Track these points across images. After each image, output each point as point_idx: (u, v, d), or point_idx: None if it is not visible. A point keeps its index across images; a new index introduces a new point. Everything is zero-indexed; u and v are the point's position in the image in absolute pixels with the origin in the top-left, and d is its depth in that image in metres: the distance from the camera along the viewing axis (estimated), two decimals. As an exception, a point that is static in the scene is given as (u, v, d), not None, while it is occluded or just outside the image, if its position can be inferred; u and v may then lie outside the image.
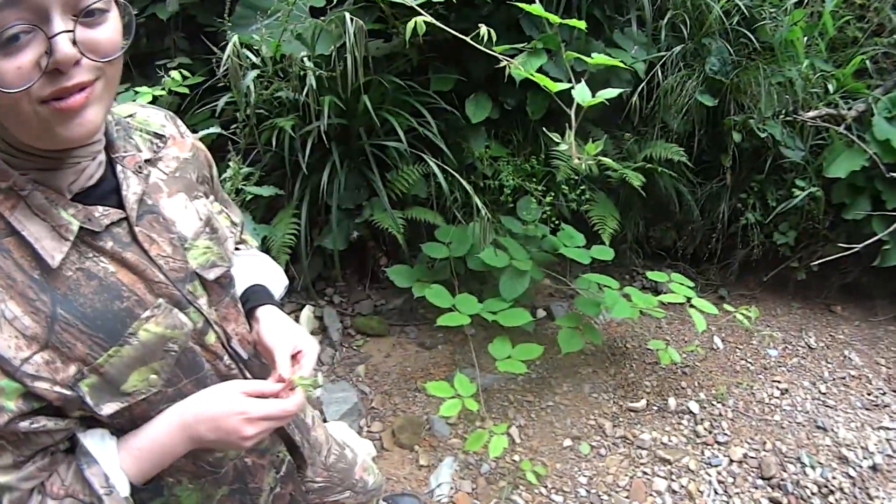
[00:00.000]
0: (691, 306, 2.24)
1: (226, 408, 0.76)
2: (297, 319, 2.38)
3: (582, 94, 1.57)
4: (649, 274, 2.45)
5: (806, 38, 2.84)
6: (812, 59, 2.89)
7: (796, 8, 2.84)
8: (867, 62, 2.92)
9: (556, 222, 2.51)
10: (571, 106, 1.58)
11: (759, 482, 2.09)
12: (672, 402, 2.33)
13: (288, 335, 0.89)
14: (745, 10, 2.79)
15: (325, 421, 2.10)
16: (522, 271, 2.16)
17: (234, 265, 0.89)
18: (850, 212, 2.73)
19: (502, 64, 1.68)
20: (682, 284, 2.29)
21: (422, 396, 2.27)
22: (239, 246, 1.04)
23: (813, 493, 2.06)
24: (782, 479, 2.09)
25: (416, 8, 1.65)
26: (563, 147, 1.69)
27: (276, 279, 1.03)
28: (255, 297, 0.95)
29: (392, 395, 2.28)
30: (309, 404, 1.19)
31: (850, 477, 2.12)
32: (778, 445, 2.21)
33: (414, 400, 2.26)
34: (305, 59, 2.37)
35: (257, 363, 0.90)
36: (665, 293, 2.26)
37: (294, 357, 0.87)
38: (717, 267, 3.06)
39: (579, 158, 1.72)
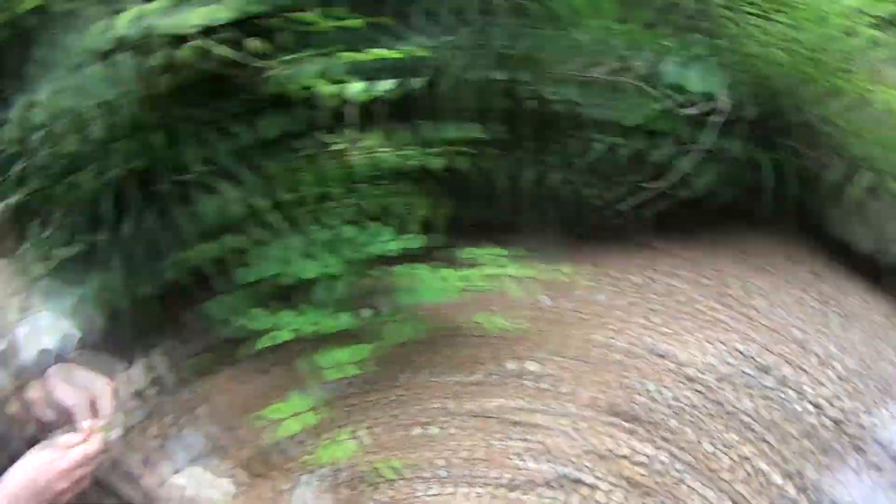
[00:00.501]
0: (507, 275, 2.34)
1: (34, 471, 0.76)
2: (127, 376, 2.30)
3: (357, 90, 1.63)
4: (463, 252, 2.46)
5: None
6: (601, 20, 3.05)
7: (583, -28, 2.98)
8: (655, 13, 3.10)
9: (363, 221, 2.49)
10: (355, 105, 1.63)
11: (614, 419, 2.19)
12: (511, 366, 2.41)
13: (78, 387, 0.90)
14: (528, -20, 2.90)
15: (176, 472, 2.05)
16: (336, 276, 2.19)
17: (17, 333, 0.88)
18: (652, 154, 2.92)
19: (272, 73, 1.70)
20: (495, 255, 2.38)
21: (266, 423, 2.24)
22: None
23: (666, 415, 2.17)
24: (634, 411, 2.19)
25: (191, 35, 1.64)
26: (341, 146, 1.75)
27: (62, 335, 1.02)
28: (43, 359, 0.95)
29: (237, 429, 2.25)
30: (133, 451, 1.19)
31: (699, 392, 2.25)
32: (623, 382, 2.31)
33: (260, 428, 2.24)
34: (91, 108, 2.30)
35: (62, 421, 0.89)
36: (482, 266, 2.34)
37: (92, 405, 0.88)
38: (533, 231, 3.14)
39: (356, 154, 1.78)
